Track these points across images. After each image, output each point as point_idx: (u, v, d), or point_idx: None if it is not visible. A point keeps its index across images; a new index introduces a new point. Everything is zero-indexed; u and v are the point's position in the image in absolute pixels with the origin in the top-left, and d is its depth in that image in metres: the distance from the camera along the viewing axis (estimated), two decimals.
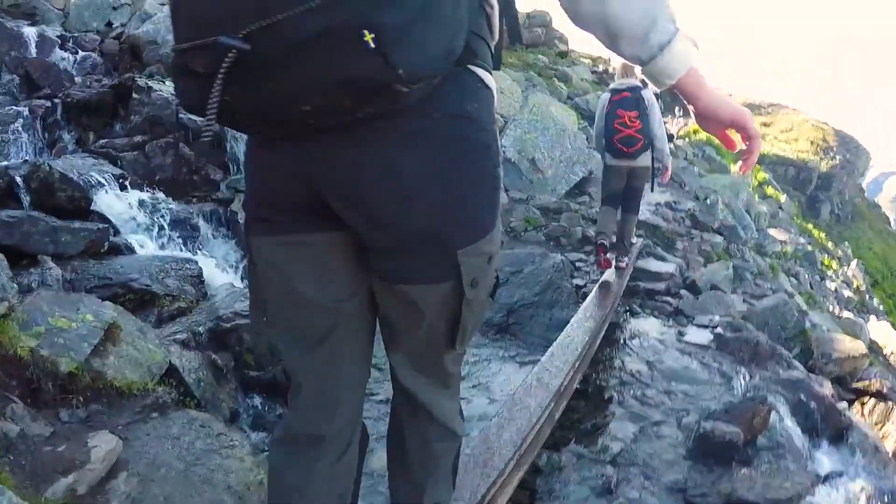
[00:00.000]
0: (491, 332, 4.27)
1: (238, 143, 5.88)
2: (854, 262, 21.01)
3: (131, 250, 3.98)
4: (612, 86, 4.72)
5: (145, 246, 4.19)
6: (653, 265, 6.76)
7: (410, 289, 1.02)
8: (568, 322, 4.00)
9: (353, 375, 1.18)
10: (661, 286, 6.20)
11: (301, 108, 0.81)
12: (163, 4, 10.11)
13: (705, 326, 4.97)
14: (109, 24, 9.55)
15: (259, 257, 1.08)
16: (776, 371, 4.32)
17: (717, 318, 5.29)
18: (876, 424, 5.18)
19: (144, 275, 3.44)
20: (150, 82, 5.98)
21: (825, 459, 3.52)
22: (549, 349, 3.25)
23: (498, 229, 1.06)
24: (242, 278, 4.55)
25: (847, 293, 15.01)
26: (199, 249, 4.66)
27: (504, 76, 10.09)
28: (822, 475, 3.27)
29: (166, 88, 5.90)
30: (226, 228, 5.12)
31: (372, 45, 0.73)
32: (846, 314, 12.18)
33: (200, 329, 2.88)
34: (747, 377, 4.06)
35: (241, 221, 4.83)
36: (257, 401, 2.89)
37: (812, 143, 28.48)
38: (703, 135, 23.02)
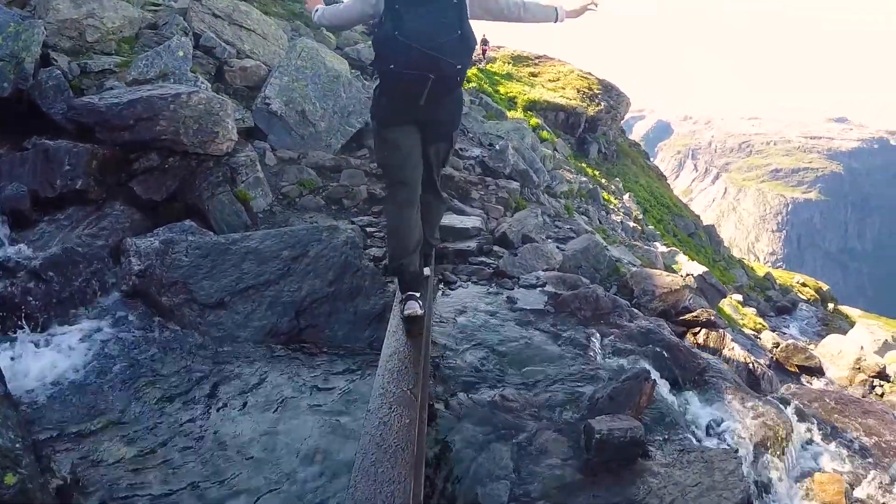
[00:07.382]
0: (278, 346, 3.21)
1: None
2: (627, 195, 23.13)
3: None
4: None
5: None
6: (455, 221, 6.21)
7: (442, 145, 3.50)
8: (378, 314, 3.18)
9: (420, 175, 3.40)
10: (472, 245, 5.65)
11: (438, 92, 3.15)
12: None
13: (533, 286, 4.48)
14: None
15: (389, 136, 3.28)
16: (622, 325, 3.91)
17: (541, 273, 4.84)
18: (714, 354, 5.19)
19: None
20: None
21: (701, 412, 3.32)
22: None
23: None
24: None
25: (631, 223, 16.20)
26: None
27: (268, 22, 8.85)
28: (705, 430, 3.15)
29: None
30: None
31: (458, 71, 3.20)
32: (636, 244, 13.02)
33: None
34: (599, 339, 3.58)
35: None
36: None
37: (578, 91, 31.37)
38: (475, 82, 23.56)
